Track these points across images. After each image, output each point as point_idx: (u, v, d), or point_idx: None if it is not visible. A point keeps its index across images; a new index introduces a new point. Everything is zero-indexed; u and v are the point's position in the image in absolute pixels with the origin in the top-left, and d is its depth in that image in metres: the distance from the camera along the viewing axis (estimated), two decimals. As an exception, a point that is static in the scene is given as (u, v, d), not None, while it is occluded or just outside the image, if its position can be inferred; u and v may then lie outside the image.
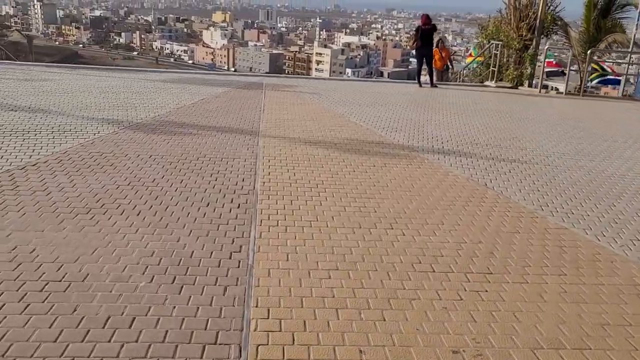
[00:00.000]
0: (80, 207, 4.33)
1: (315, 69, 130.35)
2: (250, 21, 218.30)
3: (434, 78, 13.66)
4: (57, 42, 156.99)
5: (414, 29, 13.07)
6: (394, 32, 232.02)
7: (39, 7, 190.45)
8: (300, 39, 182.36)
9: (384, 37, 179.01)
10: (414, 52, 13.02)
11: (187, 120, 7.74)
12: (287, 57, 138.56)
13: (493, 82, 14.34)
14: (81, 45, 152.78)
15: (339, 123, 8.19)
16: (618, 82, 15.85)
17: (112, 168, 5.38)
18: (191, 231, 4.01)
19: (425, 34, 12.45)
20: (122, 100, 8.87)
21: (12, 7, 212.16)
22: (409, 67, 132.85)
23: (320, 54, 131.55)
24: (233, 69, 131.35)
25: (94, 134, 6.62)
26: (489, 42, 15.30)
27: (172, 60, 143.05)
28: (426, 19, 12.54)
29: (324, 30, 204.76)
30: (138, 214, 4.27)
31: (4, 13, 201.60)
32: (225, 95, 10.12)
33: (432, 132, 7.95)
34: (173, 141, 6.51)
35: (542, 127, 8.96)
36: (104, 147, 6.08)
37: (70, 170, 5.24)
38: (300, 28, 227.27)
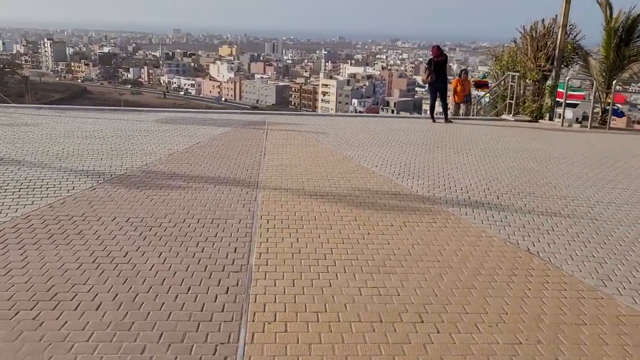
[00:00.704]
0: (24, 300, 3.41)
1: (322, 99, 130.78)
2: (256, 54, 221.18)
3: (449, 112, 12.80)
4: (63, 79, 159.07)
5: (426, 62, 12.25)
6: (398, 62, 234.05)
7: (49, 45, 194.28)
8: (306, 71, 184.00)
9: (389, 67, 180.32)
10: (427, 86, 12.17)
11: (177, 170, 6.88)
12: (293, 89, 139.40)
13: (511, 115, 13.47)
14: (89, 81, 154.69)
15: (349, 169, 7.30)
16: (622, 114, 15.21)
17: (79, 237, 4.48)
18: (162, 335, 3.07)
19: (438, 66, 11.66)
20: (109, 147, 8.05)
21: (23, 45, 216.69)
22: (415, 96, 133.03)
23: (326, 85, 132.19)
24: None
25: (68, 191, 5.76)
26: (504, 73, 14.51)
27: (181, 93, 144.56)
28: (437, 50, 11.77)
29: (330, 61, 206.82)
30: (97, 309, 3.33)
31: (14, 51, 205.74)
32: (223, 137, 9.30)
33: (455, 179, 7.03)
34: (158, 198, 5.63)
35: (576, 169, 8.01)
36: (75, 209, 5.20)
37: (26, 242, 4.35)
38: (305, 60, 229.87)
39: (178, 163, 7.26)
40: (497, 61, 15.11)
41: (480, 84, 16.62)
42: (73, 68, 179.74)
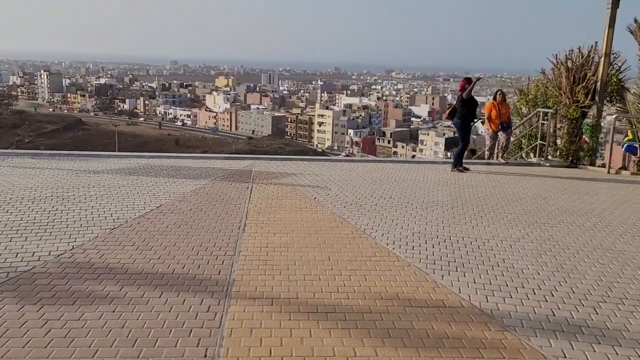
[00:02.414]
0: None
1: (318, 130, 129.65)
2: (252, 85, 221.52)
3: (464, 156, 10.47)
4: (58, 110, 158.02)
5: (457, 98, 10.04)
6: (394, 92, 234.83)
7: (45, 76, 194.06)
8: (301, 101, 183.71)
9: (384, 98, 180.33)
10: (456, 123, 10.01)
11: (113, 260, 4.71)
12: (289, 120, 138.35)
13: (543, 159, 11.43)
14: (85, 112, 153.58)
15: (363, 253, 5.15)
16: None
17: None
18: None
19: (469, 102, 9.65)
20: (31, 215, 5.91)
21: (20, 77, 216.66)
22: (411, 127, 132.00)
23: (322, 115, 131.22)
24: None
25: None
26: (530, 109, 12.56)
27: (177, 123, 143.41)
28: (467, 82, 9.75)
29: (325, 92, 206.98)
30: None
31: (11, 83, 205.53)
32: (195, 196, 7.17)
33: (517, 269, 4.88)
34: (61, 325, 3.46)
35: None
36: None
37: None
38: (301, 90, 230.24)
39: (120, 245, 5.10)
40: (522, 96, 13.12)
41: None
42: (69, 99, 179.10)
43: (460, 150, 9.99)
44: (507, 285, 4.45)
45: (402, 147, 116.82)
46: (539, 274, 4.77)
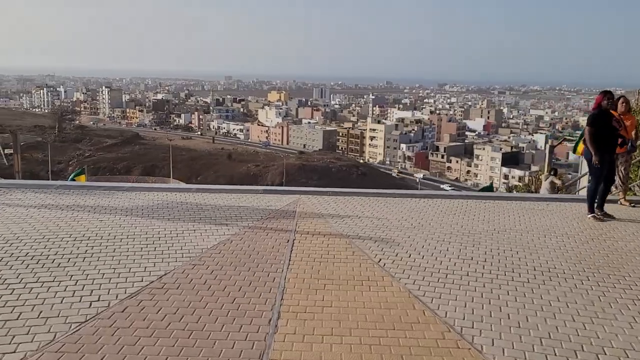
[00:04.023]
0: None
1: (369, 144, 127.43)
2: (304, 99, 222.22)
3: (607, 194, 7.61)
4: (118, 124, 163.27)
5: (589, 118, 7.38)
6: (447, 106, 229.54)
7: (106, 92, 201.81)
8: (353, 115, 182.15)
9: (437, 112, 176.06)
10: (581, 155, 7.66)
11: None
12: (340, 134, 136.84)
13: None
14: (142, 126, 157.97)
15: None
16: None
17: None
18: None
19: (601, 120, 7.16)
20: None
21: (83, 93, 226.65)
22: (465, 141, 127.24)
23: (374, 129, 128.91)
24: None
25: None
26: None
27: (232, 136, 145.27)
28: (604, 97, 7.24)
29: (377, 106, 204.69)
30: None
31: (75, 99, 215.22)
32: (216, 256, 5.31)
33: None
34: None
35: None
36: None
37: None
38: (353, 104, 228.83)
39: (81, 361, 3.25)
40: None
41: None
42: (128, 114, 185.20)
43: (593, 188, 7.35)
44: None
45: (457, 162, 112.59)
46: None
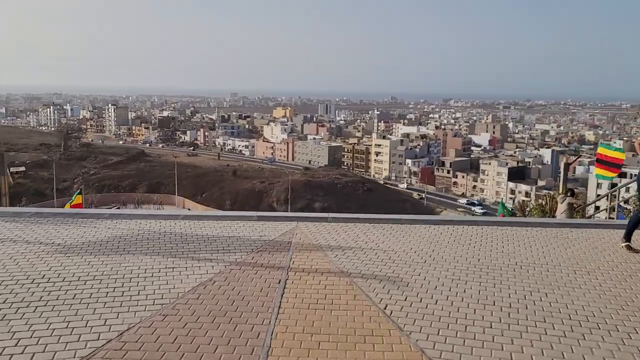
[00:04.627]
0: None
1: (375, 160, 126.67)
2: (309, 115, 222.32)
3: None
4: (124, 142, 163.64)
5: None
6: (452, 121, 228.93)
7: (112, 110, 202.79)
8: (358, 131, 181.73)
9: (442, 127, 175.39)
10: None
11: None
12: (345, 150, 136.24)
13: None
14: (148, 144, 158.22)
15: None
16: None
17: None
18: None
19: None
20: None
21: (89, 111, 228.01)
22: (471, 156, 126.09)
23: (379, 145, 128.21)
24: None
25: None
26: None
27: (237, 152, 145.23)
28: None
29: (382, 121, 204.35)
30: None
31: (81, 117, 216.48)
32: (193, 301, 4.52)
33: None
34: None
35: None
36: None
37: None
38: (358, 120, 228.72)
39: None
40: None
41: (613, 163, 11.29)
42: (134, 131, 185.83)
43: (636, 218, 6.53)
44: None
45: (463, 177, 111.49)
46: None
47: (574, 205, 11.38)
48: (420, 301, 4.61)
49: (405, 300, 4.62)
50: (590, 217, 14.01)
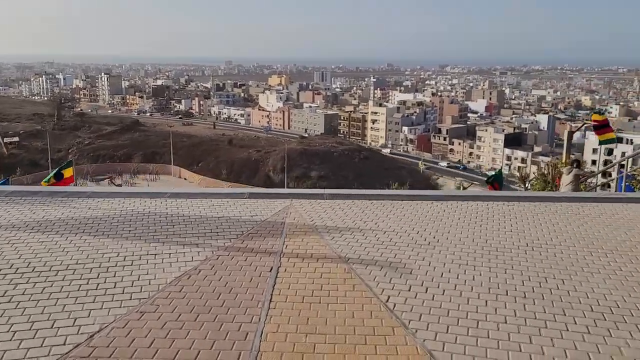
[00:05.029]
0: None
1: (371, 127, 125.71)
2: (305, 83, 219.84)
3: None
4: (118, 112, 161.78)
5: None
6: (449, 87, 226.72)
7: (105, 79, 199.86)
8: (354, 99, 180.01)
9: (439, 94, 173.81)
10: None
11: None
12: (341, 117, 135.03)
13: None
14: (142, 113, 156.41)
15: None
16: None
17: None
18: None
19: None
20: None
21: (82, 80, 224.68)
22: (468, 122, 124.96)
23: (376, 112, 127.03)
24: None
25: None
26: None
27: (232, 121, 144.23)
28: None
29: (378, 88, 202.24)
30: None
31: (74, 86, 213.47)
32: (174, 297, 4.09)
33: None
34: None
35: None
36: None
37: None
38: (354, 88, 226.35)
39: None
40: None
41: (602, 125, 10.83)
42: (128, 101, 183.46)
43: None
44: None
45: (459, 144, 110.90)
46: None
47: (580, 177, 10.94)
48: (426, 291, 4.19)
49: (409, 290, 4.20)
50: (593, 188, 13.61)
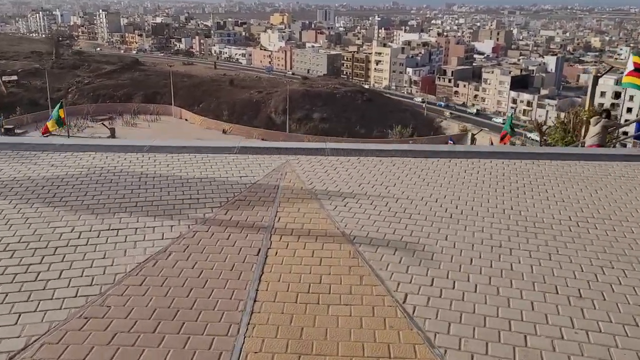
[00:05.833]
0: None
1: (375, 69, 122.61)
2: (307, 22, 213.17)
3: None
4: (117, 50, 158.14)
5: None
6: (455, 27, 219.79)
7: (104, 16, 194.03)
8: (358, 39, 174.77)
9: (445, 34, 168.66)
10: None
11: None
12: (345, 58, 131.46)
13: None
14: (142, 52, 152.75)
15: None
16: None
17: None
18: None
19: None
20: None
21: (80, 17, 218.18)
22: (474, 64, 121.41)
23: (380, 53, 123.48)
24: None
25: None
26: None
27: (234, 61, 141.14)
28: None
29: (383, 28, 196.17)
30: None
31: (72, 23, 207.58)
32: (134, 292, 3.21)
33: None
34: None
35: None
36: None
37: None
38: (358, 27, 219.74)
39: None
40: None
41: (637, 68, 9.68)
42: (127, 39, 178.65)
43: None
44: None
45: (464, 86, 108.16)
46: None
47: (608, 128, 9.88)
48: (453, 287, 3.29)
49: (431, 285, 3.30)
50: (617, 138, 12.55)
